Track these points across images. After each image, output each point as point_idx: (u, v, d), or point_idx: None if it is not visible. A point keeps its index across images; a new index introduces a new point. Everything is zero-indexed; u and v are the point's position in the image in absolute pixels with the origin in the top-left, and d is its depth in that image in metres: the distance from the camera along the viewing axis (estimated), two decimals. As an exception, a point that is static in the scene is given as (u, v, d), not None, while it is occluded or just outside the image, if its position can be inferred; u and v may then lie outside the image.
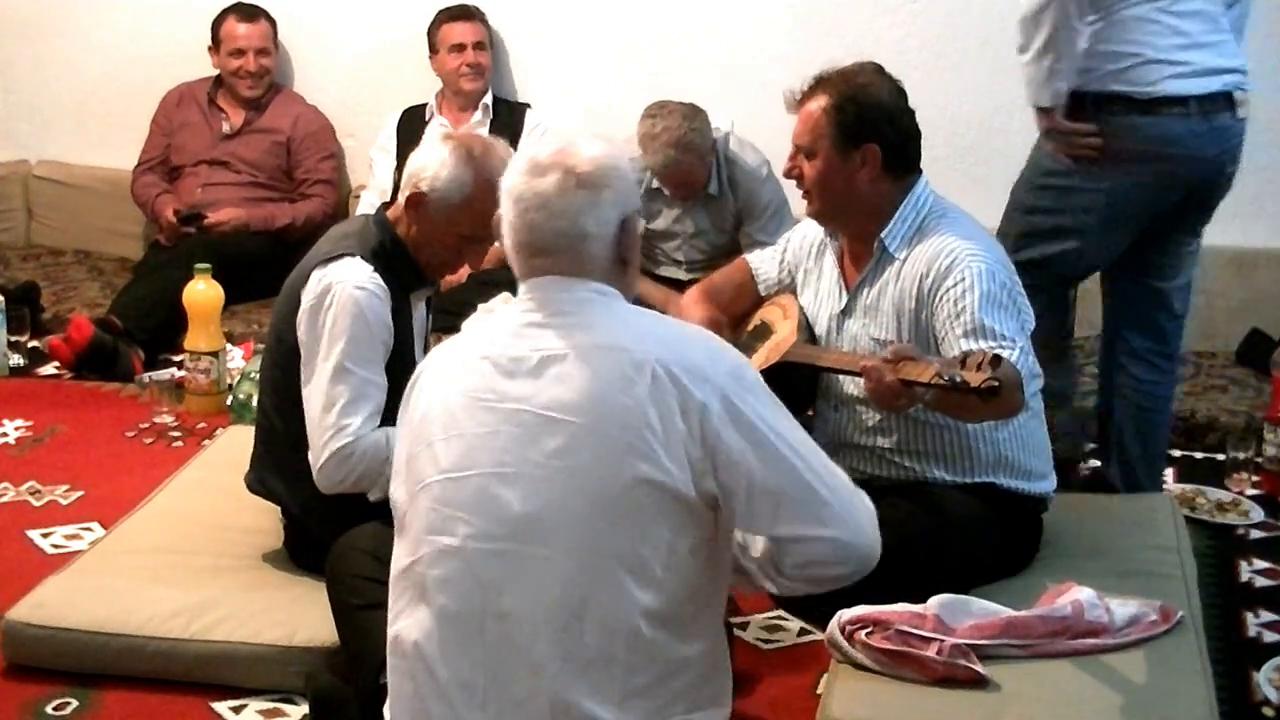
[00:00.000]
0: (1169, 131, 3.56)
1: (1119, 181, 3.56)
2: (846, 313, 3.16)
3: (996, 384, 2.57)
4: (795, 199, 4.63)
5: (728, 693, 2.28)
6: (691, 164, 4.58)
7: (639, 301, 4.79)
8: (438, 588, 2.15)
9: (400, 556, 2.23)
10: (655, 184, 4.70)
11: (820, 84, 3.08)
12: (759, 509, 2.14)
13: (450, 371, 2.23)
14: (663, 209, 4.76)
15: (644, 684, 2.12)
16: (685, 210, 4.75)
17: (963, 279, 2.94)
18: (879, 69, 3.14)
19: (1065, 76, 3.52)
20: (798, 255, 3.34)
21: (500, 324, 2.23)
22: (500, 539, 2.12)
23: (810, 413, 3.33)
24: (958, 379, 2.58)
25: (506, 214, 2.22)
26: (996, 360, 2.60)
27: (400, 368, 2.84)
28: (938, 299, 2.97)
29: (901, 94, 3.12)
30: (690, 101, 4.60)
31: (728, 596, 2.47)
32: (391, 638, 2.23)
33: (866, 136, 3.03)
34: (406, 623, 2.20)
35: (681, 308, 3.43)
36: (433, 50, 5.25)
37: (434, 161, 2.94)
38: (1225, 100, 3.62)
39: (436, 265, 3.07)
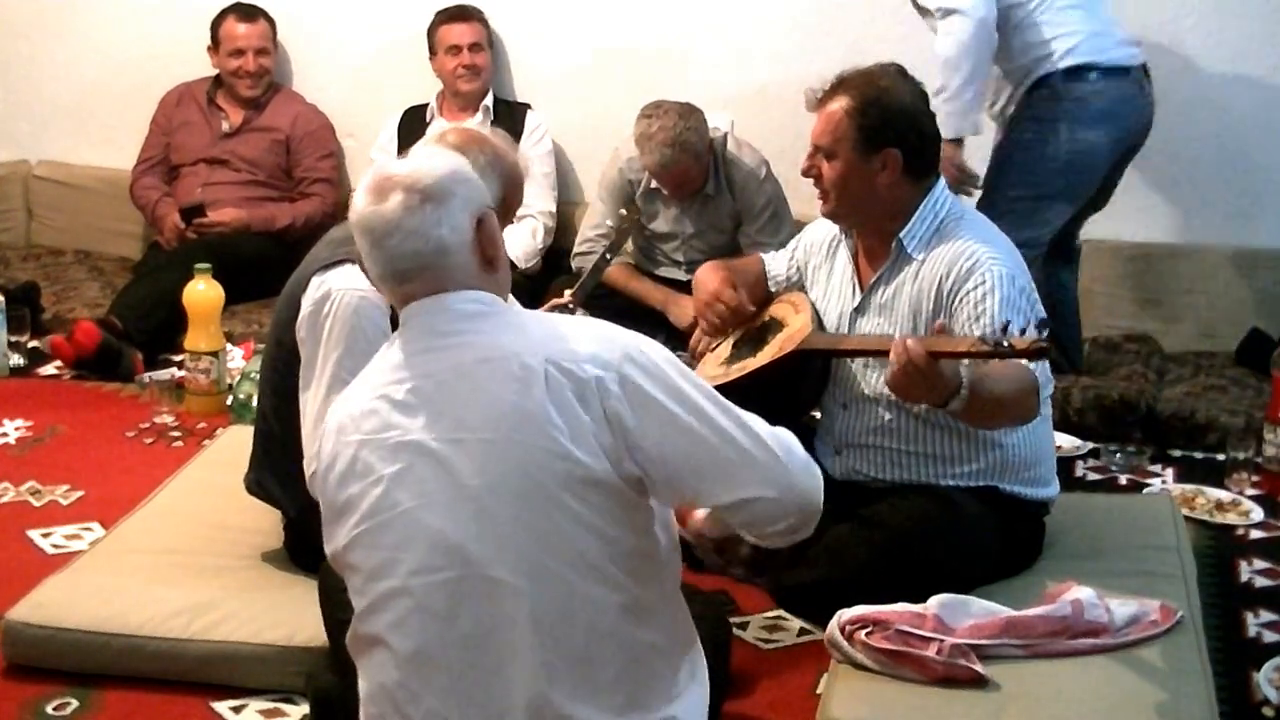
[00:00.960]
0: (1124, 94, 4.21)
1: (1086, 144, 4.15)
2: (860, 310, 3.16)
3: (1046, 346, 2.57)
4: (794, 200, 4.66)
5: (702, 667, 2.27)
6: (688, 163, 4.58)
7: (639, 303, 4.85)
8: (391, 631, 2.13)
9: (355, 609, 2.22)
10: (654, 184, 4.70)
11: (842, 85, 3.07)
12: (682, 484, 2.13)
13: (350, 417, 2.19)
14: (661, 209, 4.76)
15: (614, 676, 2.11)
16: (683, 211, 4.75)
17: (984, 281, 2.94)
18: (901, 71, 3.12)
19: (980, 108, 4.21)
20: (808, 252, 3.34)
21: (389, 360, 2.20)
22: (442, 569, 2.09)
23: (816, 413, 3.33)
24: (1004, 344, 2.57)
25: (362, 245, 2.20)
26: (1044, 323, 2.60)
27: None
28: (958, 301, 2.97)
29: (923, 97, 3.11)
30: (687, 101, 4.61)
31: (724, 592, 2.48)
32: (361, 685, 2.23)
33: (888, 141, 3.02)
34: (369, 673, 2.20)
35: (696, 279, 3.42)
36: (431, 51, 5.25)
37: None
38: (1144, 71, 4.29)
39: None
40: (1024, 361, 2.78)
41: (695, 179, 4.65)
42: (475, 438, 2.09)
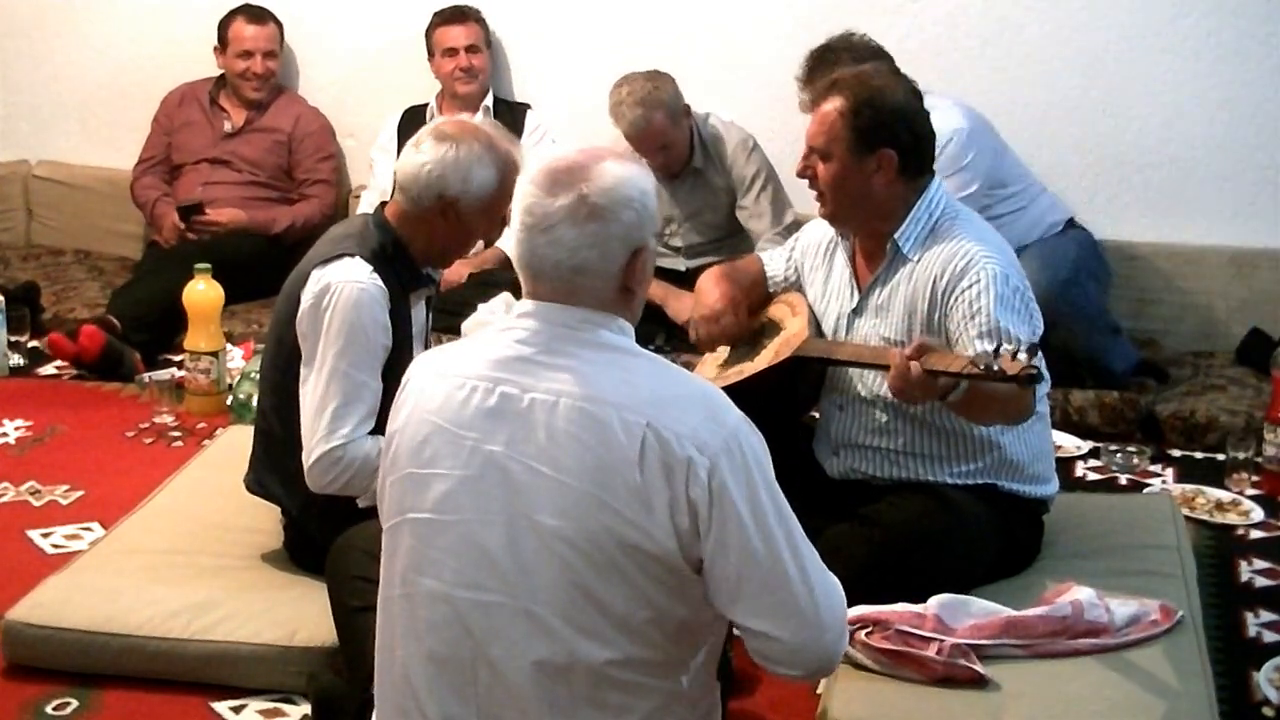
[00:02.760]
0: None
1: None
2: (857, 312, 3.15)
3: (1035, 370, 2.58)
4: (795, 199, 4.66)
5: (718, 704, 2.25)
6: (661, 122, 4.55)
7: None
8: (428, 630, 2.12)
9: (387, 579, 2.19)
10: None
11: (835, 85, 3.05)
12: (715, 589, 2.07)
13: (440, 393, 2.14)
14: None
15: None
16: (675, 192, 4.74)
17: (978, 280, 2.94)
18: (894, 69, 3.12)
19: None
20: (805, 253, 3.33)
21: (495, 348, 2.13)
22: (488, 590, 2.07)
23: (815, 414, 3.33)
24: (994, 367, 2.58)
25: (514, 221, 2.12)
26: (1034, 349, 2.61)
27: (400, 368, 2.81)
28: (952, 300, 2.97)
29: (917, 95, 3.10)
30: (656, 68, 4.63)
31: None
32: (379, 663, 2.21)
33: (883, 141, 3.00)
34: (395, 654, 2.17)
35: (699, 287, 3.39)
36: (430, 53, 5.25)
37: (452, 166, 2.91)
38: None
39: (448, 256, 3.09)
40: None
41: (677, 145, 4.63)
42: (555, 476, 2.04)
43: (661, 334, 4.60)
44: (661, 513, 2.01)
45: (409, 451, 2.14)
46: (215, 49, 5.43)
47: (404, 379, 2.24)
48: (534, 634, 2.05)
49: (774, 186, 4.71)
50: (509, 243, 3.02)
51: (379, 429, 2.79)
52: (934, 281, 3.01)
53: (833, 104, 3.03)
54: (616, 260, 2.09)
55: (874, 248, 3.14)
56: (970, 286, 2.94)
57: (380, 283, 2.93)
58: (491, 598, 2.07)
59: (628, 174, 2.10)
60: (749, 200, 4.69)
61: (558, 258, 2.07)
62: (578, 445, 2.03)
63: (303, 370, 2.96)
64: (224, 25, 5.40)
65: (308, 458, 2.90)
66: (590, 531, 2.02)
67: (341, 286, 2.90)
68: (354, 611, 2.70)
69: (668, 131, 4.58)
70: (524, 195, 2.10)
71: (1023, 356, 2.59)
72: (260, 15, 5.40)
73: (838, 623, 2.11)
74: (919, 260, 3.05)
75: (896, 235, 3.06)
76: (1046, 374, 3.08)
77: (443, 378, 2.15)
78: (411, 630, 2.14)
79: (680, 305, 4.52)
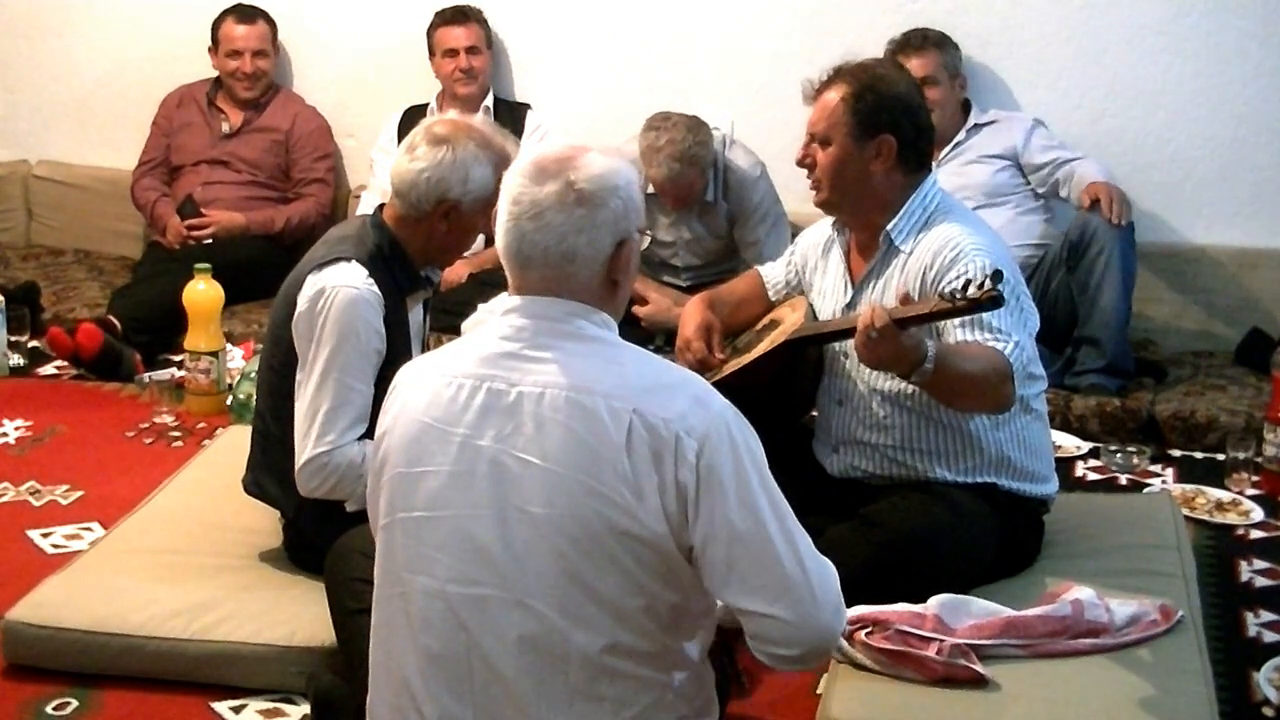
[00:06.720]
0: None
1: None
2: (851, 305, 3.15)
3: (997, 293, 2.58)
4: (792, 200, 4.66)
5: (714, 700, 2.26)
6: (693, 177, 4.58)
7: (636, 302, 4.83)
8: (422, 628, 2.13)
9: (381, 580, 2.20)
10: (651, 190, 4.70)
11: (840, 74, 3.08)
12: (710, 572, 2.08)
13: (428, 392, 2.16)
14: (659, 217, 4.76)
15: (634, 715, 2.11)
16: (681, 218, 4.75)
17: (965, 272, 2.94)
18: (898, 63, 3.14)
19: None
20: (805, 255, 3.34)
21: (481, 346, 2.16)
22: (481, 583, 2.08)
23: (814, 411, 3.33)
24: (957, 296, 2.60)
25: (501, 214, 2.14)
26: (998, 275, 2.61)
27: (395, 373, 2.83)
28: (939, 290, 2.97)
29: (919, 89, 3.13)
30: (693, 114, 4.61)
31: None
32: (375, 663, 2.22)
33: (883, 127, 3.02)
34: (391, 654, 2.18)
35: (682, 317, 3.40)
36: (430, 52, 5.25)
37: (449, 169, 2.91)
38: None
39: (448, 256, 3.09)
40: (997, 346, 2.81)
41: (697, 191, 4.65)
42: (544, 465, 2.06)
43: (661, 335, 4.61)
44: (651, 497, 2.03)
45: (398, 451, 2.16)
46: (209, 49, 5.44)
47: (393, 383, 2.25)
48: (528, 625, 2.07)
49: (777, 222, 4.71)
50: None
51: (370, 434, 2.79)
52: (924, 271, 3.01)
53: (836, 91, 3.05)
54: (604, 248, 2.12)
55: (868, 240, 3.15)
56: (959, 278, 2.94)
57: (375, 287, 2.93)
58: (485, 591, 2.08)
59: (614, 165, 2.14)
60: (749, 231, 4.70)
61: (546, 243, 2.10)
62: (566, 434, 2.05)
63: (297, 374, 2.96)
64: (215, 26, 5.41)
65: (297, 463, 2.90)
66: (581, 518, 2.04)
67: (336, 291, 2.90)
68: (353, 614, 2.69)
69: (695, 184, 4.60)
70: (512, 186, 2.13)
71: (987, 284, 2.60)
72: (250, 15, 5.40)
73: (833, 600, 2.12)
74: (911, 252, 3.06)
75: (889, 227, 3.07)
76: (1041, 371, 3.07)
77: (431, 378, 2.17)
78: (406, 629, 2.15)
79: (657, 303, 4.64)
